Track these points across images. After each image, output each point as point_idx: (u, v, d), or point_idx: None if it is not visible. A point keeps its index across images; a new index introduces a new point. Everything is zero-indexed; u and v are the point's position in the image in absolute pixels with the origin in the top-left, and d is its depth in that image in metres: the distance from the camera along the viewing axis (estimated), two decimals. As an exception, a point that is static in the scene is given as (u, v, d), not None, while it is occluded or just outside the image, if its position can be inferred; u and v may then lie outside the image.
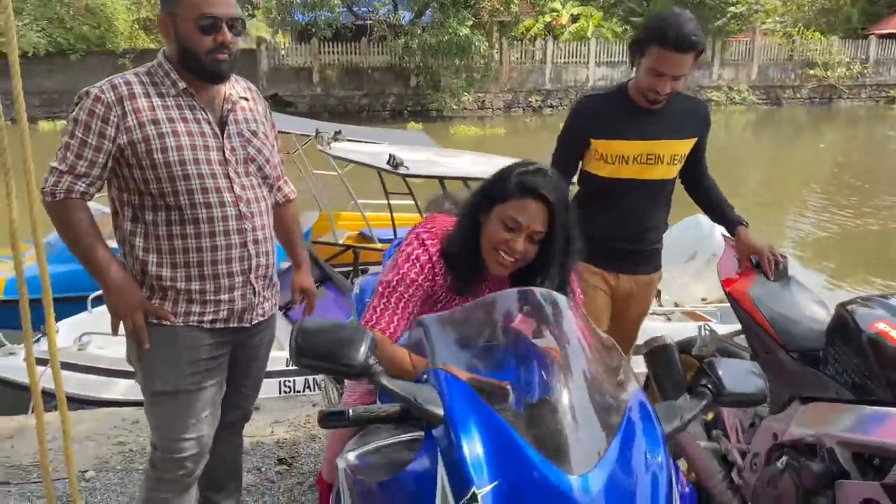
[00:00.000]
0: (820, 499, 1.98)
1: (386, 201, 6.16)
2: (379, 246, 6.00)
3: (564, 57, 28.68)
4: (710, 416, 2.70)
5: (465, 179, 4.27)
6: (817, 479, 1.96)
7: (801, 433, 2.13)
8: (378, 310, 1.79)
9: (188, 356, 2.07)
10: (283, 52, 26.90)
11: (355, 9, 26.27)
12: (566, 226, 1.73)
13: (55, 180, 1.94)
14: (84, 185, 1.97)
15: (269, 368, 2.50)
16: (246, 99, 2.20)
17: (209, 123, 2.06)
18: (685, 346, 2.84)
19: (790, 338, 2.34)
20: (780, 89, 29.91)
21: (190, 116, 2.04)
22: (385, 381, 1.34)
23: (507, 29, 27.24)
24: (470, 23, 24.33)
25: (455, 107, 25.90)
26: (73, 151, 1.94)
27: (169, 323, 2.06)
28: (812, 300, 2.47)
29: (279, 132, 6.60)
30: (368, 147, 5.27)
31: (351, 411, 1.36)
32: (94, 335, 4.36)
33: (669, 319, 5.38)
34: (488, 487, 1.18)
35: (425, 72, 26.07)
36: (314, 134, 5.15)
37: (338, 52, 26.72)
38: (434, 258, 1.83)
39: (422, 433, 1.31)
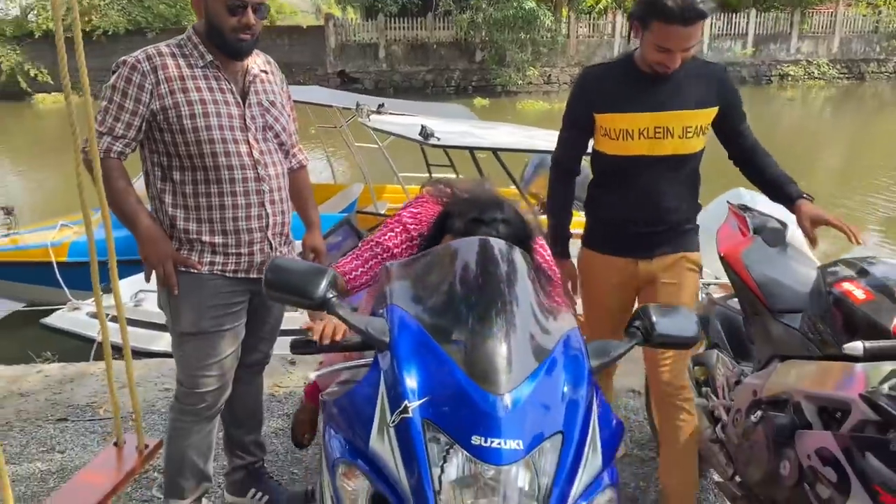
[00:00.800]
0: (787, 450, 2.08)
1: (428, 174, 6.35)
2: None
3: (633, 30, 28.10)
4: (702, 375, 2.80)
5: (494, 150, 4.39)
6: (782, 431, 2.07)
7: (775, 389, 2.23)
8: (350, 258, 2.04)
9: (211, 301, 2.32)
10: (353, 25, 27.24)
11: (422, -17, 26.40)
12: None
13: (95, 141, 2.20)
14: (121, 146, 2.22)
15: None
16: (265, 72, 2.41)
17: (232, 93, 2.28)
18: None
19: (775, 299, 2.42)
20: (863, 63, 28.54)
21: (215, 86, 2.26)
22: (342, 312, 1.54)
23: (575, 2, 26.85)
24: (537, -5, 24.14)
25: (520, 81, 25.78)
26: (112, 115, 2.19)
27: (195, 271, 2.30)
28: (805, 265, 2.52)
29: (323, 106, 6.85)
30: (406, 119, 5.44)
31: (316, 340, 1.57)
32: (148, 293, 4.74)
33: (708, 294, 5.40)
34: (418, 402, 1.36)
35: (490, 46, 25.99)
36: (354, 106, 5.37)
37: (404, 28, 26.92)
38: (414, 242, 2.05)
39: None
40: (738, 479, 2.43)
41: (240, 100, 2.29)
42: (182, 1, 26.78)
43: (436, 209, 2.07)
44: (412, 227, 2.08)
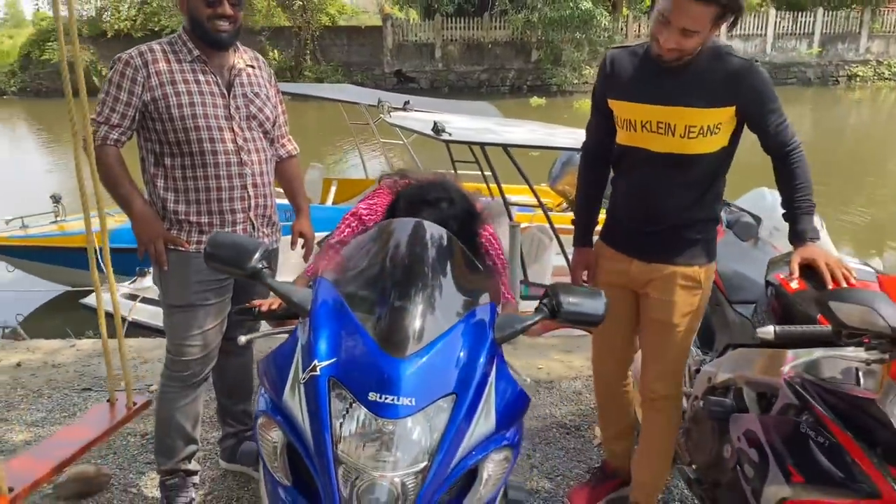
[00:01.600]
0: (728, 435, 2.15)
1: (453, 171, 6.48)
2: None
3: (694, 29, 27.63)
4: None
5: (504, 146, 4.49)
6: (718, 415, 2.14)
7: (724, 376, 2.29)
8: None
9: (197, 277, 2.51)
10: (411, 25, 27.58)
11: (479, -17, 26.55)
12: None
13: (94, 130, 2.42)
14: (117, 134, 2.43)
15: None
16: (252, 66, 2.59)
17: (217, 85, 2.47)
18: None
19: (734, 291, 2.47)
20: (937, 63, 27.37)
21: (202, 79, 2.45)
22: (270, 282, 1.69)
23: (634, 1, 26.56)
24: (595, -6, 23.99)
25: (576, 81, 25.66)
26: (108, 106, 2.41)
27: (183, 249, 2.50)
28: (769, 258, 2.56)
29: (349, 103, 7.04)
30: (424, 115, 5.58)
31: (257, 309, 1.73)
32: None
33: None
34: (327, 362, 1.51)
35: (546, 46, 25.95)
36: (376, 103, 5.54)
37: (460, 28, 27.13)
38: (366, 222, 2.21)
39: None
40: (693, 465, 2.49)
41: (224, 91, 2.47)
42: (247, 3, 27.59)
43: (390, 199, 2.21)
44: (367, 217, 2.22)
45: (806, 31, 27.39)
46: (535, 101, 22.69)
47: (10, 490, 2.14)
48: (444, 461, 1.45)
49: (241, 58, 2.56)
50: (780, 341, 1.78)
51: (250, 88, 2.54)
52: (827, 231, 3.32)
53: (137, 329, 5.41)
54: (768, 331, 1.77)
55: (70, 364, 4.17)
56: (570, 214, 7.92)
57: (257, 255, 1.71)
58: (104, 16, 27.93)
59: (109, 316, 5.48)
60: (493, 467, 1.55)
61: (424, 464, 1.44)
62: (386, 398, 1.45)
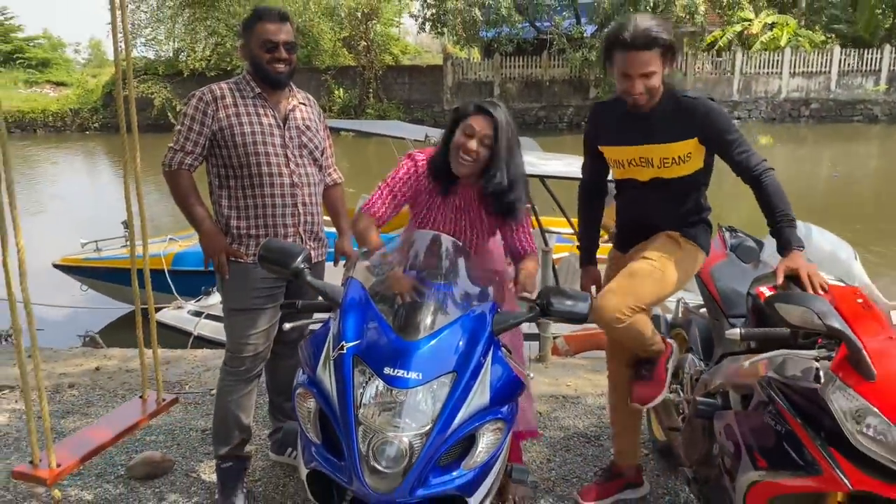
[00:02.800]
0: (716, 432, 2.38)
1: None
2: None
3: (755, 67, 27.55)
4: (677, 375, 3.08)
5: (541, 177, 4.80)
6: (704, 414, 2.38)
7: (717, 382, 2.52)
8: (374, 197, 2.54)
9: (254, 284, 2.89)
10: (473, 63, 28.36)
11: (538, 24, 27.09)
12: (508, 136, 2.40)
13: (171, 156, 2.84)
14: (190, 160, 2.85)
15: None
16: (304, 104, 3.00)
17: (275, 118, 2.88)
18: None
19: (731, 306, 2.71)
20: None
21: (262, 112, 2.86)
22: (310, 279, 2.06)
23: (693, 39, 26.66)
24: (651, 34, 24.13)
25: (634, 118, 25.76)
26: (183, 135, 2.83)
27: (242, 261, 2.89)
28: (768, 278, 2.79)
29: (396, 138, 7.48)
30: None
31: (299, 303, 2.10)
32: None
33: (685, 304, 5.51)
34: (352, 343, 1.85)
35: (604, 84, 26.23)
36: (423, 138, 5.93)
37: (519, 66, 27.71)
38: (419, 165, 2.56)
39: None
40: (691, 465, 2.71)
41: (280, 123, 2.87)
42: (313, 42, 28.88)
43: (409, 165, 2.58)
44: (418, 157, 2.60)
45: (872, 67, 26.97)
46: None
47: (58, 465, 2.60)
48: (444, 426, 1.76)
49: (294, 97, 2.96)
50: (746, 341, 2.03)
51: (302, 122, 2.94)
52: (861, 263, 3.54)
53: (202, 342, 5.88)
54: (735, 333, 2.02)
55: (140, 369, 4.62)
56: (608, 245, 8.17)
57: (300, 258, 2.07)
58: (180, 56, 29.60)
59: (173, 329, 6.02)
60: (487, 435, 1.85)
61: (428, 427, 1.75)
62: (398, 372, 1.77)
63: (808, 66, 27.21)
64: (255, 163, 2.81)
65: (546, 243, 5.39)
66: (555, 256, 6.03)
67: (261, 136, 2.82)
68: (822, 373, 1.92)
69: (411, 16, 30.59)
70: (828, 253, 3.28)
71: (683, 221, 2.74)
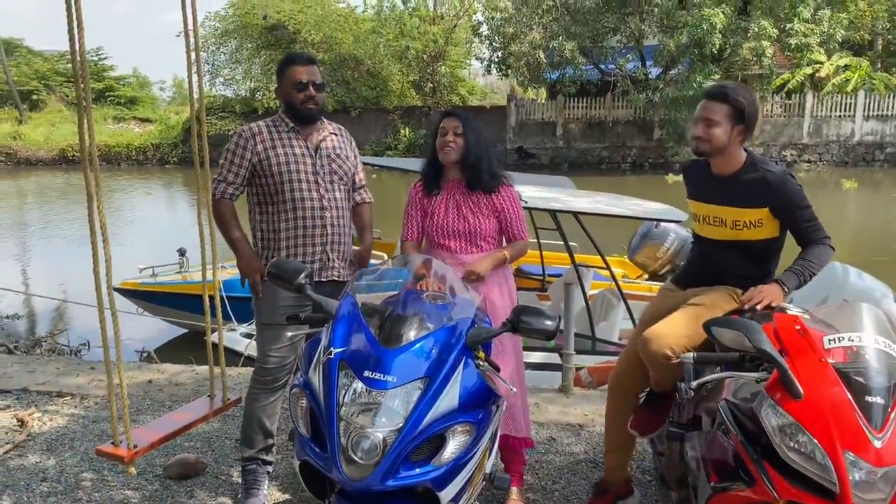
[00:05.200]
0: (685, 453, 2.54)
1: (536, 238, 7.04)
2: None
3: (826, 110, 27.02)
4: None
5: (575, 213, 5.05)
6: (674, 436, 2.55)
7: (699, 406, 2.68)
8: (404, 229, 3.20)
9: (283, 303, 3.18)
10: (538, 103, 28.82)
11: (602, 66, 27.32)
12: (473, 127, 3.10)
13: (215, 186, 3.21)
14: (231, 189, 3.21)
15: None
16: (335, 134, 3.34)
17: (307, 149, 3.22)
18: None
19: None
20: None
21: (295, 145, 3.21)
22: (310, 293, 2.35)
23: (761, 81, 26.37)
24: (717, 76, 24.01)
25: (699, 159, 25.53)
26: (226, 168, 3.20)
27: (272, 282, 3.22)
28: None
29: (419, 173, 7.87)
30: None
31: (302, 315, 2.40)
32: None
33: None
34: (339, 349, 2.12)
35: (668, 125, 26.17)
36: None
37: (582, 107, 27.96)
38: (418, 188, 3.20)
39: None
40: (673, 487, 2.85)
41: (312, 153, 3.21)
42: (381, 84, 29.88)
43: (412, 192, 3.20)
44: (418, 183, 3.27)
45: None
46: (671, 177, 22.78)
47: (135, 447, 2.95)
48: (415, 424, 2.01)
49: (325, 128, 3.30)
50: (699, 365, 2.20)
51: (333, 151, 3.27)
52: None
53: (252, 362, 6.27)
54: (689, 356, 2.20)
55: (189, 384, 5.01)
56: (646, 283, 8.29)
57: (302, 275, 2.37)
58: (256, 95, 31.07)
59: (226, 349, 6.45)
60: (457, 436, 2.08)
61: (400, 424, 2.00)
62: (377, 376, 2.04)
63: (882, 110, 26.53)
64: (287, 189, 3.14)
65: (579, 278, 5.57)
66: (589, 293, 6.21)
67: (294, 165, 3.15)
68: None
69: (477, 59, 31.39)
70: (862, 290, 3.55)
71: (747, 283, 2.79)
